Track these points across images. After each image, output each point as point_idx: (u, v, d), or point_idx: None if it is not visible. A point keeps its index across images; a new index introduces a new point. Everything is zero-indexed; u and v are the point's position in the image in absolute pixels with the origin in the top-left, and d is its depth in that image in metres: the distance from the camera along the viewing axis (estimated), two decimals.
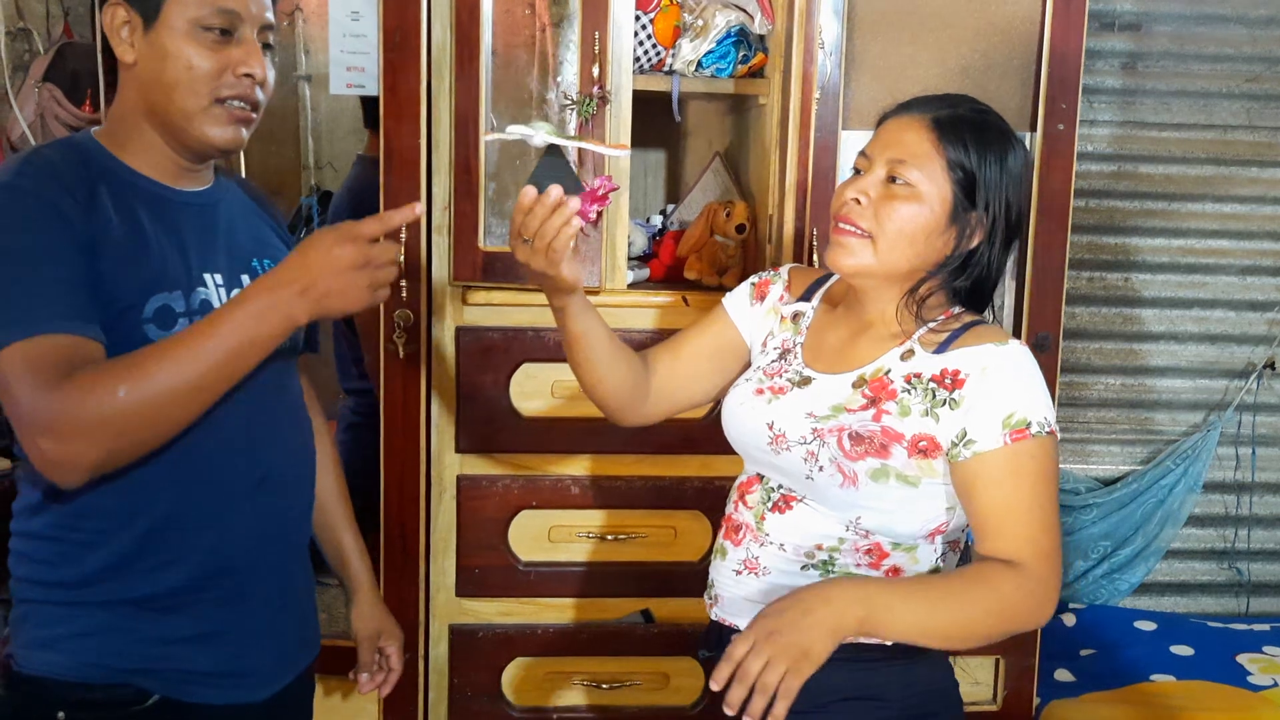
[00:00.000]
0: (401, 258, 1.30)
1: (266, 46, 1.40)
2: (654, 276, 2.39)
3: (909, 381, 1.36)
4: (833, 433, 1.37)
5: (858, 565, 1.39)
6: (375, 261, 1.26)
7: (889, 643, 1.35)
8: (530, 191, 1.32)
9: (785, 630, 1.20)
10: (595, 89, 2.07)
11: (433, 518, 2.23)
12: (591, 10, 2.06)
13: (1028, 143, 2.25)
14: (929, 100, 1.43)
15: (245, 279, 1.45)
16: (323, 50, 2.64)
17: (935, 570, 1.41)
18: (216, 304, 1.39)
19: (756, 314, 1.59)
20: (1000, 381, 1.32)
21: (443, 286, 2.17)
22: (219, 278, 1.41)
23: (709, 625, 1.53)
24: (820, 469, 1.37)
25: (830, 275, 1.57)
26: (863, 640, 1.28)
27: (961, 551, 1.46)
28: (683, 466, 2.25)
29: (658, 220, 2.61)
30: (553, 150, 1.36)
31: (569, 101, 2.09)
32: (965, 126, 1.38)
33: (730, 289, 2.21)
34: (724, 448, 2.19)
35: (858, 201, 1.39)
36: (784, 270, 1.62)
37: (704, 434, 2.23)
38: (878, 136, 1.44)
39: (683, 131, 2.68)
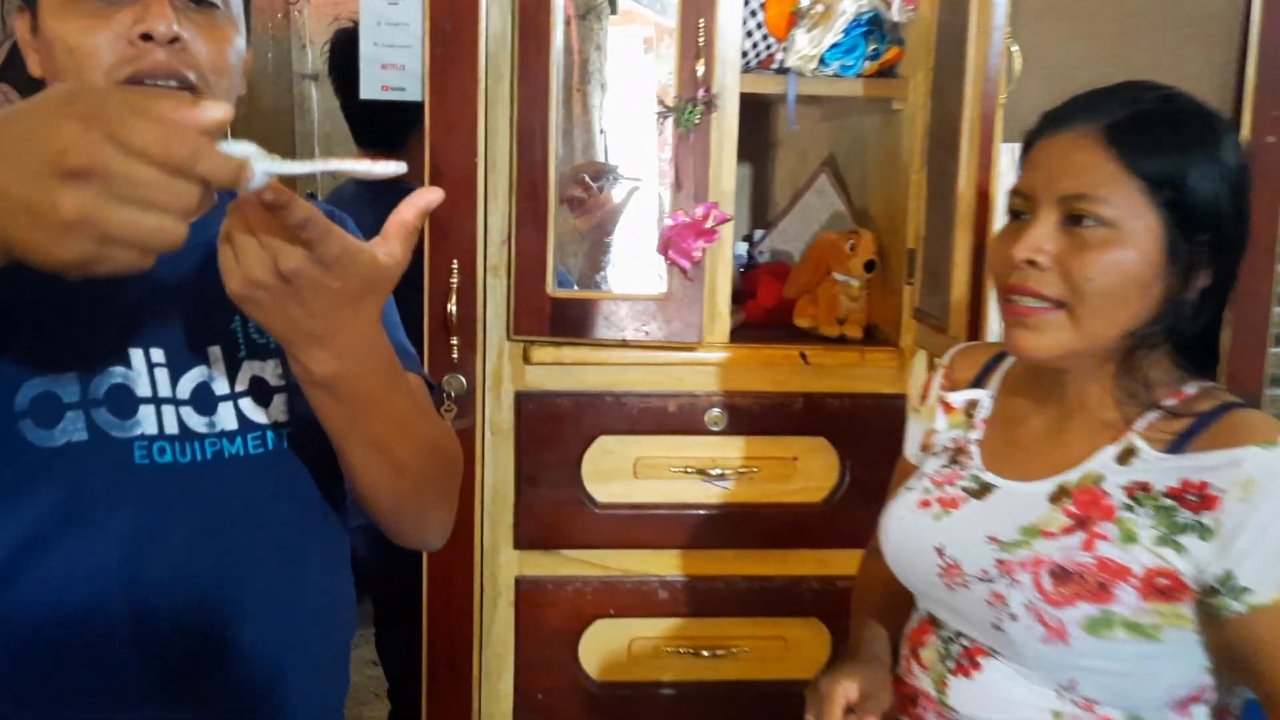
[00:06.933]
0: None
1: (198, 1, 0.94)
2: (750, 320, 1.95)
3: (1132, 495, 1.02)
4: (1026, 567, 1.04)
5: None
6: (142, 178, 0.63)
7: None
8: None
9: None
10: (700, 92, 1.63)
11: (485, 629, 1.78)
12: None
13: None
14: (1090, 102, 1.07)
15: None
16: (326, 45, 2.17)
17: None
18: None
19: (924, 426, 1.27)
20: (1276, 502, 0.97)
21: (500, 342, 1.72)
22: None
23: None
24: (1013, 618, 1.04)
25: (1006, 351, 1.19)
26: None
27: None
28: (794, 564, 1.81)
29: (742, 250, 2.17)
30: None
31: (664, 109, 1.65)
32: (1155, 125, 1.03)
33: (852, 339, 1.79)
34: (845, 540, 1.78)
35: (1033, 263, 1.04)
36: (946, 356, 1.29)
37: (820, 523, 1.80)
38: (1034, 164, 1.08)
39: (770, 141, 2.24)
